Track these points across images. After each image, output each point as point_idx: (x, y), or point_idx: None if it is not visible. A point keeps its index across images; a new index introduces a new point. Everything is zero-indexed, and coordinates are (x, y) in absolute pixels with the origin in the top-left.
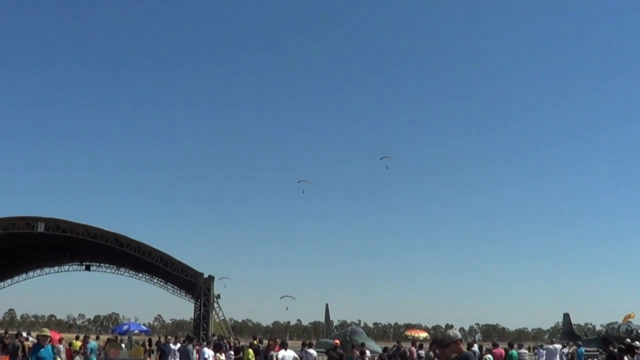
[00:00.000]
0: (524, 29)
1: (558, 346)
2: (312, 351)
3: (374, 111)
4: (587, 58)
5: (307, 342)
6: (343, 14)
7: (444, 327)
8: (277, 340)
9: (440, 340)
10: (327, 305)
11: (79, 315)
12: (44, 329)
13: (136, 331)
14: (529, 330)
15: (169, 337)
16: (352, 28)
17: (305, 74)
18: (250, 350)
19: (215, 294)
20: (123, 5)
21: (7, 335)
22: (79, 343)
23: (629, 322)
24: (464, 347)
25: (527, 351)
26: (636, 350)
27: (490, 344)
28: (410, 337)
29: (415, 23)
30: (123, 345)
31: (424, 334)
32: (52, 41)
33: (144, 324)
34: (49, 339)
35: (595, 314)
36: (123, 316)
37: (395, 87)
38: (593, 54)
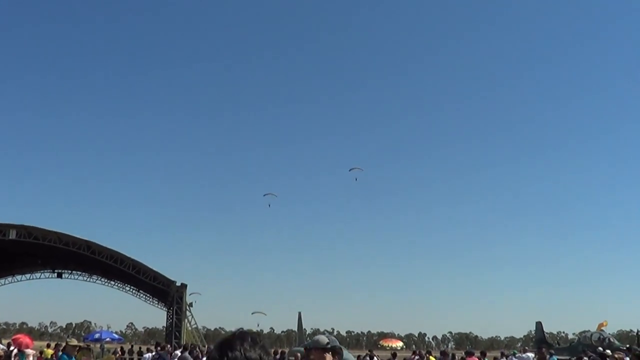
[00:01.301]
0: (523, 31)
1: (530, 355)
2: None
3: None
4: (587, 60)
5: (280, 350)
6: (343, 15)
7: (416, 335)
8: None
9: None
10: (299, 313)
11: (51, 323)
12: (72, 339)
13: (108, 339)
14: (502, 338)
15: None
16: (352, 31)
17: (299, 79)
18: None
19: (188, 302)
20: (120, 10)
21: None
22: (50, 351)
23: (602, 330)
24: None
25: None
26: (607, 359)
27: (464, 353)
28: (387, 348)
29: (415, 25)
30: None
31: (399, 343)
32: (44, 45)
33: (116, 332)
34: (77, 349)
35: (568, 322)
36: (95, 324)
37: (392, 91)
38: (595, 56)
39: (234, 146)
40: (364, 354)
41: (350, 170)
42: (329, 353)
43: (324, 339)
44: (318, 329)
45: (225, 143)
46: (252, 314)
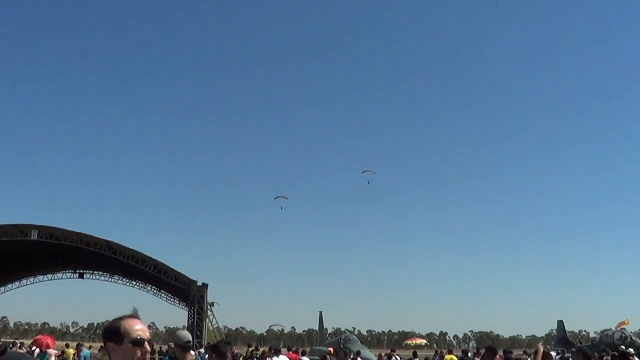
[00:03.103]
0: (522, 37)
1: (553, 354)
2: (306, 359)
3: (372, 119)
4: (587, 66)
5: (301, 350)
6: (351, 18)
7: (438, 334)
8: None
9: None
10: (321, 313)
11: (73, 323)
12: (170, 344)
13: None
14: (523, 337)
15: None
16: (360, 36)
17: (306, 81)
18: None
19: (209, 302)
20: (125, 14)
21: (1, 343)
22: (72, 351)
23: (623, 329)
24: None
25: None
26: (630, 358)
27: (485, 349)
28: (413, 345)
29: (420, 31)
30: None
31: (423, 341)
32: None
33: None
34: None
35: (590, 321)
36: None
37: (394, 96)
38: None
39: (259, 146)
40: (385, 354)
41: (362, 173)
42: (189, 352)
43: (184, 335)
44: (339, 329)
45: (250, 143)
46: (271, 327)
